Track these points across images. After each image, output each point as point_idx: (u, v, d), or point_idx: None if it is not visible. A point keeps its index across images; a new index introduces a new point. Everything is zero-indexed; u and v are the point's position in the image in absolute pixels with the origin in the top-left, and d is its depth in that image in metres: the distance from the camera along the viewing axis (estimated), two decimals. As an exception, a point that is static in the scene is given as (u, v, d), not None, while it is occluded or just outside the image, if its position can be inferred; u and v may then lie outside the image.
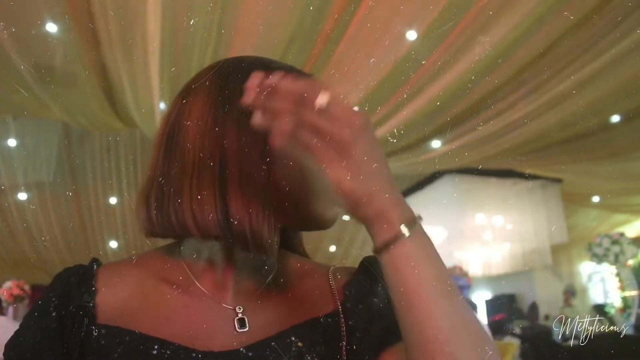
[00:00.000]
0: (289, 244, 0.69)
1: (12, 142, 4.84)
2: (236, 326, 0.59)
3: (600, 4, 2.90)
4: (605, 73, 3.46)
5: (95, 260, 0.65)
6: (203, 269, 0.62)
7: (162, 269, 0.63)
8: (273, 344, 0.57)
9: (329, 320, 0.61)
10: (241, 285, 0.62)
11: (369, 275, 0.64)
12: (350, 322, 0.60)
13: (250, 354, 0.56)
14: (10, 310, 3.53)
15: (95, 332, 0.56)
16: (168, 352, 0.54)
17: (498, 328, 5.55)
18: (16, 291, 3.58)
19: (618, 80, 3.63)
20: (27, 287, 3.65)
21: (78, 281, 0.60)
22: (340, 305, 0.62)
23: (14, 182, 5.21)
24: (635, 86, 3.74)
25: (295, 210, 0.60)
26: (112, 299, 0.59)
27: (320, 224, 0.63)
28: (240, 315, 0.60)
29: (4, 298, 3.54)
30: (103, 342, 0.56)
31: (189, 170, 0.56)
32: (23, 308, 3.52)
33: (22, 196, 5.45)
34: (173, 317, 0.58)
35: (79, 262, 0.65)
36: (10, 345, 0.58)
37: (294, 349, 0.57)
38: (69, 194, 5.60)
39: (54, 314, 0.57)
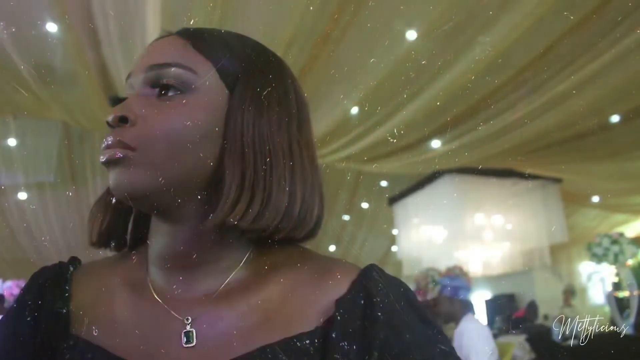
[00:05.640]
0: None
1: (12, 142, 4.84)
2: (182, 340, 0.51)
3: (600, 4, 2.90)
4: (605, 73, 3.46)
5: (72, 261, 0.61)
6: (159, 266, 0.56)
7: (128, 270, 0.59)
8: None
9: (306, 342, 0.50)
10: (195, 287, 0.54)
11: (366, 290, 0.52)
12: (329, 350, 0.50)
13: None
14: (11, 310, 3.53)
15: (65, 343, 0.54)
16: None
17: (516, 325, 5.61)
18: (16, 291, 3.59)
19: (618, 80, 3.64)
20: (27, 287, 3.65)
21: (52, 285, 0.57)
22: (324, 322, 0.51)
23: (14, 181, 5.21)
24: (635, 86, 3.74)
25: None
26: (83, 306, 0.56)
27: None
28: (188, 327, 0.51)
29: (5, 297, 3.55)
30: (68, 356, 0.53)
31: None
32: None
33: (22, 196, 5.46)
34: (129, 329, 0.53)
35: None
36: None
37: None
38: (69, 193, 5.60)
39: (28, 319, 0.55)
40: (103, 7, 2.79)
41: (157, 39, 0.59)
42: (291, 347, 0.50)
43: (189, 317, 0.52)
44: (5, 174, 5.13)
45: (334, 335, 0.49)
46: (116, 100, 0.57)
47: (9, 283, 3.64)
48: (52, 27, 2.99)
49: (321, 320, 0.51)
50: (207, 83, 0.54)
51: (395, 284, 0.55)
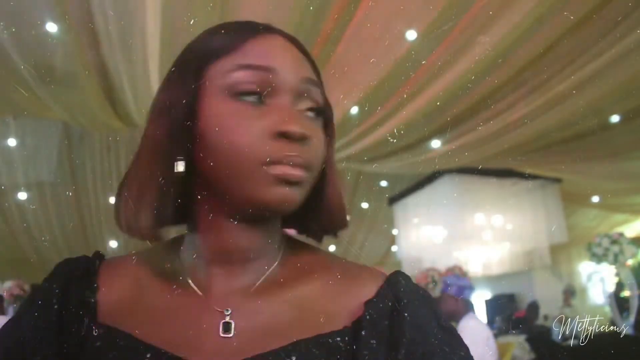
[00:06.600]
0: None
1: (12, 142, 4.84)
2: (220, 330, 0.52)
3: (600, 4, 2.90)
4: (605, 73, 3.46)
5: (98, 256, 0.61)
6: (203, 259, 0.56)
7: (159, 264, 0.59)
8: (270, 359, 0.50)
9: (338, 340, 0.52)
10: (235, 280, 0.56)
11: (393, 293, 0.55)
12: (359, 347, 0.51)
13: None
14: (11, 309, 3.53)
15: (95, 331, 0.53)
16: None
17: (516, 325, 5.64)
18: (16, 291, 3.59)
19: (618, 80, 3.64)
20: (27, 287, 3.65)
21: (80, 276, 0.57)
22: (353, 322, 0.53)
23: (14, 182, 5.21)
24: (635, 86, 3.74)
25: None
26: (112, 297, 0.56)
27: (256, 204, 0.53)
28: (227, 318, 0.52)
29: (5, 297, 3.55)
30: (98, 343, 0.52)
31: None
32: (23, 308, 3.53)
33: (23, 196, 5.46)
34: (164, 319, 0.53)
35: None
36: (8, 332, 0.55)
37: None
38: (69, 193, 5.61)
39: (55, 307, 0.54)
40: (103, 7, 2.79)
41: (278, 37, 0.57)
42: (324, 343, 0.51)
43: (229, 309, 0.53)
44: (5, 174, 5.14)
45: (363, 333, 0.51)
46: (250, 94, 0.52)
47: (8, 283, 3.64)
48: (52, 27, 2.99)
49: (350, 320, 0.53)
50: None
51: (420, 291, 0.58)
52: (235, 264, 0.56)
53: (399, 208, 6.90)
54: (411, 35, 3.10)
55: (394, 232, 7.18)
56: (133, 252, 0.62)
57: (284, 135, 0.50)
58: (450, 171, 5.67)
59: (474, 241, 6.19)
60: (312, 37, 3.11)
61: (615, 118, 4.34)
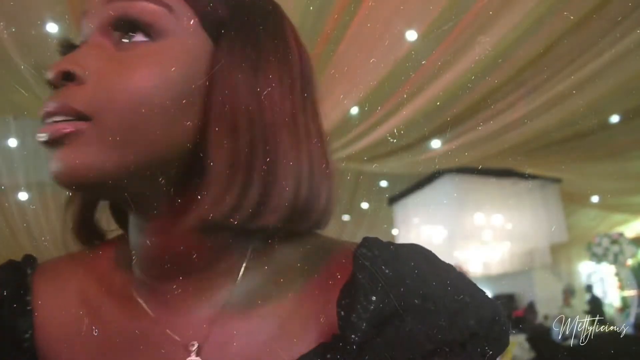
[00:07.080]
0: None
1: (12, 142, 4.84)
2: None
3: (600, 4, 2.90)
4: (605, 73, 3.46)
5: (29, 262, 0.48)
6: (144, 273, 0.43)
7: (106, 273, 0.45)
8: None
9: (327, 356, 0.39)
10: (196, 300, 0.42)
11: (371, 276, 0.41)
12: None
13: None
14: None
15: None
16: None
17: (516, 325, 5.65)
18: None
19: (618, 80, 3.64)
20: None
21: (11, 296, 0.43)
22: (339, 330, 0.40)
23: (14, 182, 5.21)
24: (635, 86, 3.75)
25: None
26: (51, 322, 0.43)
27: None
28: (193, 355, 0.40)
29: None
30: None
31: None
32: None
33: (23, 196, 5.46)
34: (114, 356, 0.41)
35: None
36: None
37: None
38: (69, 194, 5.61)
39: None
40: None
41: None
42: None
43: (195, 343, 0.41)
44: (5, 174, 5.14)
45: (345, 337, 0.40)
46: (69, 49, 0.42)
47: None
48: (52, 27, 2.99)
49: (334, 326, 0.41)
50: (185, 25, 0.39)
51: (388, 256, 0.44)
52: (186, 277, 0.42)
53: (399, 208, 6.91)
54: (411, 35, 3.10)
55: (394, 232, 7.18)
56: (73, 252, 0.49)
57: (51, 85, 0.38)
58: (450, 171, 5.67)
59: (474, 241, 6.19)
60: (313, 37, 3.12)
61: (615, 118, 4.35)
